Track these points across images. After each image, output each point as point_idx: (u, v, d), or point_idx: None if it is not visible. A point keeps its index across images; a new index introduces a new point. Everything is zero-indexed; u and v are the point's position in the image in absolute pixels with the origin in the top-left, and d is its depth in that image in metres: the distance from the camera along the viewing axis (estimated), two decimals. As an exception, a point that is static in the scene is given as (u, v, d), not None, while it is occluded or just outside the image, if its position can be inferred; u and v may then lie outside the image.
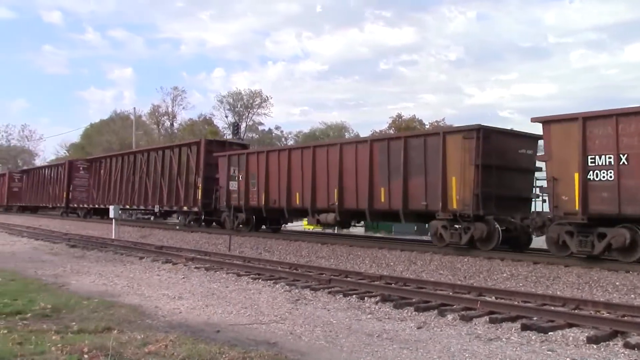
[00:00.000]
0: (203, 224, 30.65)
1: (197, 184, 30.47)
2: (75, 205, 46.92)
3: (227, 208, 27.95)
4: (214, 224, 30.53)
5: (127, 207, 39.18)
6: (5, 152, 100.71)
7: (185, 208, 31.71)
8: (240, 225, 27.49)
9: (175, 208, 33.19)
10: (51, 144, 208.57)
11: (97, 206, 43.35)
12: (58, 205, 49.79)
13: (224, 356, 6.47)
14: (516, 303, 10.57)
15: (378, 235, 31.36)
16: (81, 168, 47.17)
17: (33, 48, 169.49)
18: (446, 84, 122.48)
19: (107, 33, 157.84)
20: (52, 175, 52.70)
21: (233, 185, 27.66)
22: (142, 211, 41.53)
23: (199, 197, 29.99)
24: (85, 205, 45.65)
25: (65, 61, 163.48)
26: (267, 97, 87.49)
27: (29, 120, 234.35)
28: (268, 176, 25.52)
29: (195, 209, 30.67)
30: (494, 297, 11.29)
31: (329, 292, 12.10)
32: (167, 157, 34.53)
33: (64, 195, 47.50)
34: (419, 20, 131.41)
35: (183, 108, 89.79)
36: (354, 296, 11.63)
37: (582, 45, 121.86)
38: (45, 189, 53.89)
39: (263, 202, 25.71)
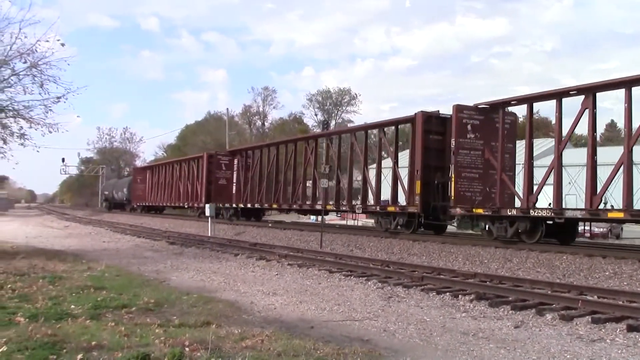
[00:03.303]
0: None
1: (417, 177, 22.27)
2: (217, 204, 36.94)
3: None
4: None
5: (293, 207, 32.17)
6: (109, 154, 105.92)
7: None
8: None
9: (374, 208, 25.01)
10: (150, 145, 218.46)
11: (246, 206, 36.31)
12: (194, 205, 43.03)
13: (318, 352, 6.54)
14: (621, 303, 10.06)
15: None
16: (222, 163, 40.15)
17: (132, 54, 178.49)
18: (540, 75, 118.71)
19: (200, 37, 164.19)
20: (184, 171, 46.26)
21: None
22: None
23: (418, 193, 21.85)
24: (229, 205, 37.97)
25: (162, 66, 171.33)
26: (355, 94, 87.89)
27: (130, 123, 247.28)
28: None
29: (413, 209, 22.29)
30: (596, 297, 10.80)
31: (422, 290, 11.98)
32: (361, 140, 27.39)
33: (201, 194, 40.74)
34: (512, 10, 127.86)
35: (273, 107, 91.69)
36: (447, 294, 11.46)
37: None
38: (174, 186, 48.15)
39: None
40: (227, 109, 68.09)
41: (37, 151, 17.94)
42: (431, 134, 22.51)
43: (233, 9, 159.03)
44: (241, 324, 8.20)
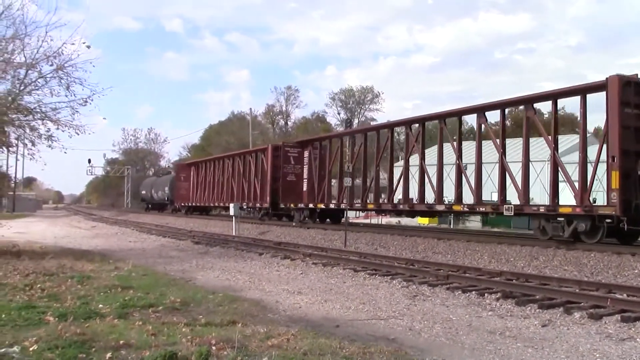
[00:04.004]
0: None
1: None
2: (286, 205, 33.60)
3: None
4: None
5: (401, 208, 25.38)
6: (134, 155, 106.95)
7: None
8: None
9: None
10: (174, 145, 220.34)
11: (327, 206, 30.43)
12: (257, 205, 37.53)
13: (344, 351, 6.54)
14: (651, 301, 9.89)
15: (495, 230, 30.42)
16: (291, 156, 34.19)
17: (156, 56, 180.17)
18: (565, 70, 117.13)
19: (224, 37, 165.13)
20: (238, 166, 41.41)
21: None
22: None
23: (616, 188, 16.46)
24: (303, 205, 32.33)
25: (186, 67, 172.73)
26: (378, 92, 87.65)
27: (154, 124, 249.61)
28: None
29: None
30: (625, 295, 10.63)
31: (447, 288, 11.92)
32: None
33: (265, 192, 35.42)
34: (537, 5, 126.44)
35: (296, 107, 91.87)
36: (473, 292, 11.38)
37: None
38: (226, 184, 43.16)
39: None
40: (251, 108, 68.52)
41: (65, 152, 18.20)
42: (629, 106, 16.80)
43: (256, 9, 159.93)
44: (267, 323, 8.23)
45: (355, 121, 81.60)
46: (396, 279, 13.28)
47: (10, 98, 16.87)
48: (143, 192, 70.14)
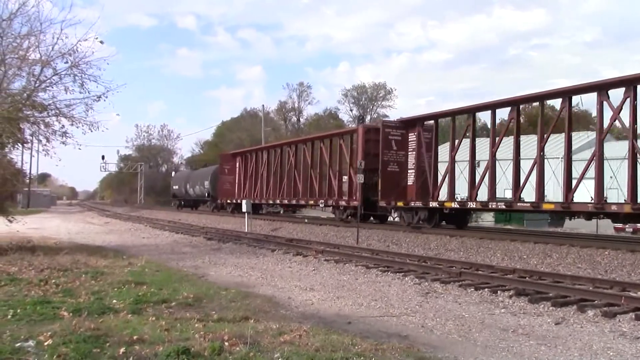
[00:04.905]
0: None
1: None
2: (389, 203, 26.14)
3: None
4: None
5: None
6: (147, 151, 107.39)
7: None
8: None
9: None
10: (187, 142, 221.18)
11: (458, 205, 23.02)
12: (341, 204, 29.93)
13: (356, 347, 6.54)
14: (666, 299, 9.81)
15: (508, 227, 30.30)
16: (393, 139, 26.40)
17: (169, 53, 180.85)
18: (580, 67, 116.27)
19: (236, 34, 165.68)
20: (306, 155, 34.45)
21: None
22: None
23: None
24: (417, 203, 24.68)
25: (199, 63, 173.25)
26: (391, 89, 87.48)
27: (167, 120, 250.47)
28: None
29: None
30: (639, 293, 10.55)
31: (460, 286, 11.89)
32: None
33: (355, 188, 27.12)
34: (551, 1, 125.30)
35: (309, 103, 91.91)
36: (486, 290, 11.34)
37: None
38: (288, 178, 36.39)
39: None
40: (263, 105, 68.32)
41: (79, 149, 18.34)
42: None
43: (269, 6, 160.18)
44: (279, 319, 8.26)
45: (368, 118, 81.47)
46: (408, 276, 13.26)
47: (25, 94, 16.99)
48: (175, 187, 61.58)
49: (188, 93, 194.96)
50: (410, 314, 9.29)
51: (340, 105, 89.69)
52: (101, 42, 17.04)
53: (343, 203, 29.65)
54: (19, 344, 6.21)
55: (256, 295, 10.67)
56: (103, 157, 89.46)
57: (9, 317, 7.76)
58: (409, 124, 26.52)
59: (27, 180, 53.37)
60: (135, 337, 6.53)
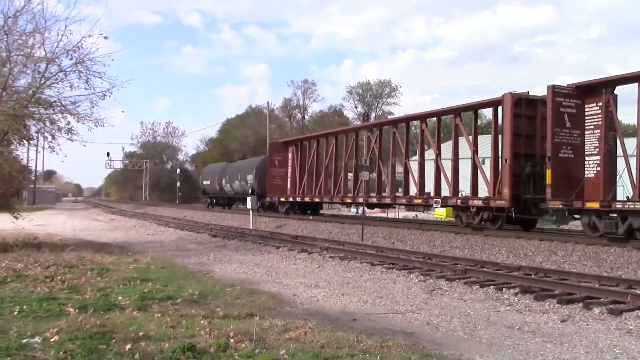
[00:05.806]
0: None
1: None
2: (569, 202, 17.41)
3: None
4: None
5: None
6: (152, 148, 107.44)
7: None
8: None
9: None
10: (192, 139, 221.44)
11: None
12: (471, 204, 21.09)
13: (361, 344, 6.54)
14: (672, 297, 9.77)
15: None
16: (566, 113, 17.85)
17: (174, 50, 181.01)
18: (586, 64, 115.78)
19: (241, 31, 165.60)
20: (399, 138, 27.08)
21: None
22: None
23: None
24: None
25: (204, 61, 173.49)
26: (396, 86, 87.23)
27: (172, 117, 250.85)
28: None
29: None
30: (646, 290, 10.51)
31: (465, 283, 11.87)
32: None
33: (503, 180, 19.74)
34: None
35: (313, 100, 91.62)
36: (491, 287, 11.32)
37: None
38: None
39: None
40: (268, 102, 68.35)
41: (84, 145, 18.37)
42: None
43: (273, 3, 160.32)
44: (284, 316, 8.27)
45: (373, 115, 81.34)
46: (413, 273, 13.25)
47: (31, 91, 17.04)
48: (205, 182, 52.75)
49: (193, 90, 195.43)
50: (416, 311, 9.28)
51: (345, 102, 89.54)
52: (105, 37, 17.04)
53: (477, 203, 21.05)
54: (25, 340, 6.24)
55: (261, 292, 10.68)
56: (108, 154, 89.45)
57: (16, 313, 7.79)
58: (587, 90, 18.12)
59: (33, 177, 53.49)
60: (141, 334, 6.55)
